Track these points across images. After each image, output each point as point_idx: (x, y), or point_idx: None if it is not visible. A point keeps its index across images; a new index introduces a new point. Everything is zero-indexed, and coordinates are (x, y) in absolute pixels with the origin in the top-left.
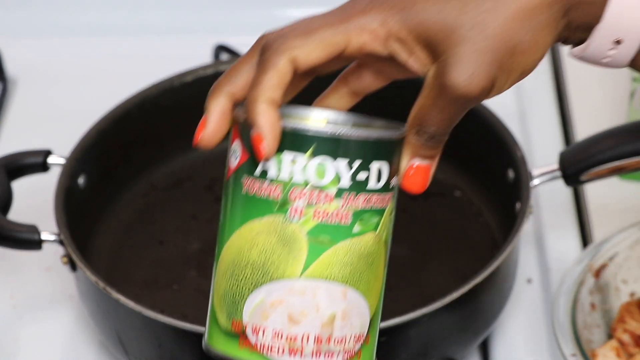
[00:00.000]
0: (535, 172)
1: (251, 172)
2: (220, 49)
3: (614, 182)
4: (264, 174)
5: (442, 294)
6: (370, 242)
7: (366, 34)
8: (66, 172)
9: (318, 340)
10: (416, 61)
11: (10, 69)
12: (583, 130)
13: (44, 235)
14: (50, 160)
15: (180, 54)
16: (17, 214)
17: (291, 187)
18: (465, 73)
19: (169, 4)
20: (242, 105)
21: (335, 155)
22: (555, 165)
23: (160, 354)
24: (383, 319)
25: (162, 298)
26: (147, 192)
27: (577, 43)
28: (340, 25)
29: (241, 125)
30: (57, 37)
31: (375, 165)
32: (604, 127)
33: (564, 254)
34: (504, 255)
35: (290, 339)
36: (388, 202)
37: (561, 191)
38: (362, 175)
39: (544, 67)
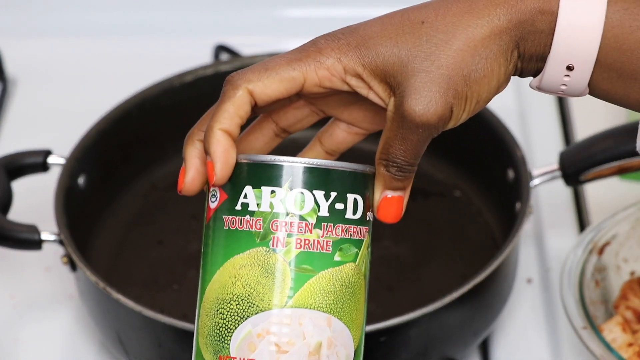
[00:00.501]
0: (535, 172)
1: (232, 208)
2: (220, 49)
3: (614, 182)
4: (244, 207)
5: (442, 294)
6: (350, 272)
7: (323, 70)
8: (66, 172)
9: None
10: (375, 95)
11: (10, 69)
12: (583, 130)
13: (44, 235)
14: (50, 160)
15: (180, 54)
16: (17, 214)
17: (272, 218)
18: (421, 102)
19: (169, 4)
20: None
21: (312, 187)
22: (555, 165)
23: (160, 354)
24: (383, 319)
25: (162, 298)
26: (147, 192)
27: (535, 74)
28: (297, 62)
29: None
30: (57, 37)
31: (351, 197)
32: (604, 127)
33: (564, 254)
34: (504, 255)
35: None
36: (365, 235)
37: (561, 191)
38: (339, 206)
39: None
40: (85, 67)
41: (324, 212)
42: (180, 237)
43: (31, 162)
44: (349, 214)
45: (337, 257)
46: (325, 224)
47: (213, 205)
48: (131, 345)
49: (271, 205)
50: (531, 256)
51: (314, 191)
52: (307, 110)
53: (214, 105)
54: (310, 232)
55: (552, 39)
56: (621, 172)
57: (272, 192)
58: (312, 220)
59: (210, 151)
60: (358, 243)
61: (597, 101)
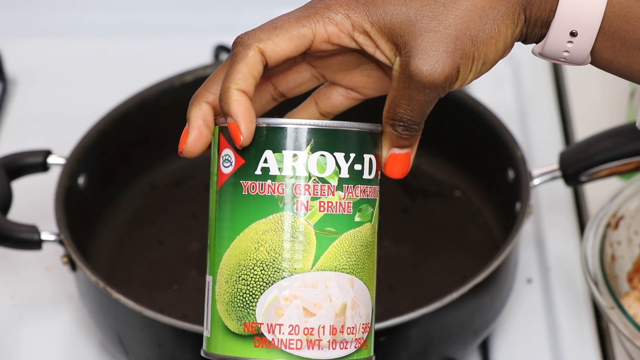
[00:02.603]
0: (535, 172)
1: (251, 173)
2: (220, 49)
3: (614, 182)
4: (265, 172)
5: (442, 294)
6: (368, 232)
7: (331, 26)
8: (66, 172)
9: (333, 330)
10: (382, 54)
11: (10, 69)
12: (583, 130)
13: (44, 235)
14: (50, 160)
15: (180, 54)
16: (17, 214)
17: (295, 182)
18: (428, 62)
19: (169, 4)
20: None
21: (333, 149)
22: (555, 165)
23: (160, 354)
24: (383, 319)
25: (162, 298)
26: (147, 192)
27: (538, 41)
28: (306, 19)
29: (227, 132)
30: (57, 37)
31: (367, 157)
32: (604, 127)
33: (564, 254)
34: (504, 255)
35: (308, 331)
36: (377, 194)
37: (561, 191)
38: (357, 167)
39: (544, 67)
40: (85, 67)
41: (344, 173)
42: (180, 237)
43: (31, 162)
44: (366, 174)
45: (357, 218)
46: (347, 185)
47: (227, 170)
48: (131, 345)
49: (293, 169)
50: (531, 256)
51: (335, 153)
52: (308, 75)
53: (221, 67)
54: (333, 195)
55: (557, 4)
56: (621, 172)
57: (294, 155)
58: (334, 182)
59: (231, 112)
60: (373, 202)
61: (597, 101)
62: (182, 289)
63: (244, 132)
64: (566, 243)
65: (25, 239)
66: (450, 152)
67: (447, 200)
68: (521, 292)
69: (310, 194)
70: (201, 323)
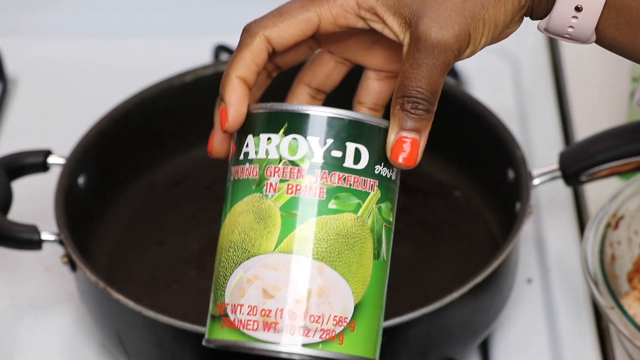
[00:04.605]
0: (535, 172)
1: (237, 159)
2: (220, 49)
3: (614, 182)
4: (245, 156)
5: (442, 294)
6: (349, 222)
7: (336, 7)
8: (66, 172)
9: (292, 315)
10: (390, 31)
11: (10, 69)
12: (583, 130)
13: (44, 235)
14: (50, 160)
15: (180, 54)
16: (17, 214)
17: (267, 165)
18: (438, 22)
19: (169, 4)
20: None
21: (306, 133)
22: (555, 165)
23: (160, 354)
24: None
25: (162, 298)
26: (147, 192)
27: (544, 16)
28: (310, 3)
29: None
30: (57, 37)
31: (351, 146)
32: (604, 127)
33: (564, 254)
34: (504, 255)
35: (265, 313)
36: (373, 189)
37: (561, 191)
38: (336, 153)
39: (543, 67)
40: (85, 67)
41: (317, 158)
42: (180, 237)
43: (31, 162)
44: (347, 163)
45: (332, 205)
46: (319, 170)
47: (229, 160)
48: (131, 345)
49: (267, 152)
50: (531, 256)
51: (308, 137)
52: (332, 63)
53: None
54: (302, 177)
55: None
56: (621, 172)
57: (269, 139)
58: (305, 165)
59: (225, 98)
60: (360, 194)
61: (597, 101)
62: (182, 289)
63: (230, 117)
64: (566, 243)
65: (25, 239)
66: (450, 152)
67: (447, 200)
68: (521, 292)
69: (279, 176)
70: (201, 323)
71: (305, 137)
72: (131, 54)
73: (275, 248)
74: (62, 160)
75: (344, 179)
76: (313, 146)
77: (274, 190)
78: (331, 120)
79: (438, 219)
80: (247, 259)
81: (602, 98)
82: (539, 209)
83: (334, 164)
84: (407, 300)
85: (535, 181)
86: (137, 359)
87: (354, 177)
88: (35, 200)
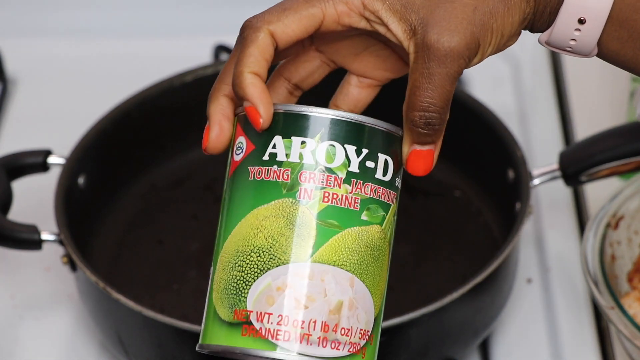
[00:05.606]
0: (535, 172)
1: (259, 158)
2: (220, 49)
3: (614, 182)
4: (272, 157)
5: (442, 294)
6: (376, 234)
7: (341, 5)
8: (66, 172)
9: (325, 327)
10: (393, 35)
11: (10, 69)
12: (583, 130)
13: (44, 235)
14: (50, 160)
15: (180, 54)
16: (17, 214)
17: (301, 169)
18: (448, 29)
19: (169, 4)
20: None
21: (344, 141)
22: (555, 165)
23: (160, 354)
24: (383, 318)
25: (162, 298)
26: (147, 192)
27: (546, 29)
28: None
29: (242, 120)
30: (57, 37)
31: (382, 157)
32: (604, 127)
33: (564, 254)
34: (504, 255)
35: (297, 324)
36: (393, 200)
37: (561, 191)
38: (370, 164)
39: (544, 67)
40: (85, 67)
41: (354, 167)
42: (180, 237)
43: (31, 162)
44: (379, 174)
45: (364, 217)
46: (355, 180)
47: (238, 157)
48: (131, 345)
49: (300, 156)
50: (531, 256)
51: (345, 145)
52: (317, 62)
53: (231, 56)
54: (339, 187)
55: None
56: (621, 172)
57: (303, 142)
58: (342, 174)
59: (247, 95)
60: (385, 206)
61: (597, 101)
62: (182, 289)
63: (263, 114)
64: (566, 243)
65: (25, 239)
66: (450, 152)
67: (447, 200)
68: (521, 292)
69: (315, 183)
70: (201, 323)
71: (342, 144)
72: (131, 54)
73: (310, 257)
74: (62, 160)
75: (375, 190)
76: (350, 155)
77: (309, 197)
78: (370, 130)
79: (438, 219)
80: (277, 265)
81: (602, 98)
82: (539, 209)
83: (367, 175)
84: (407, 300)
85: (535, 181)
86: (137, 359)
87: (382, 189)
88: (35, 200)
